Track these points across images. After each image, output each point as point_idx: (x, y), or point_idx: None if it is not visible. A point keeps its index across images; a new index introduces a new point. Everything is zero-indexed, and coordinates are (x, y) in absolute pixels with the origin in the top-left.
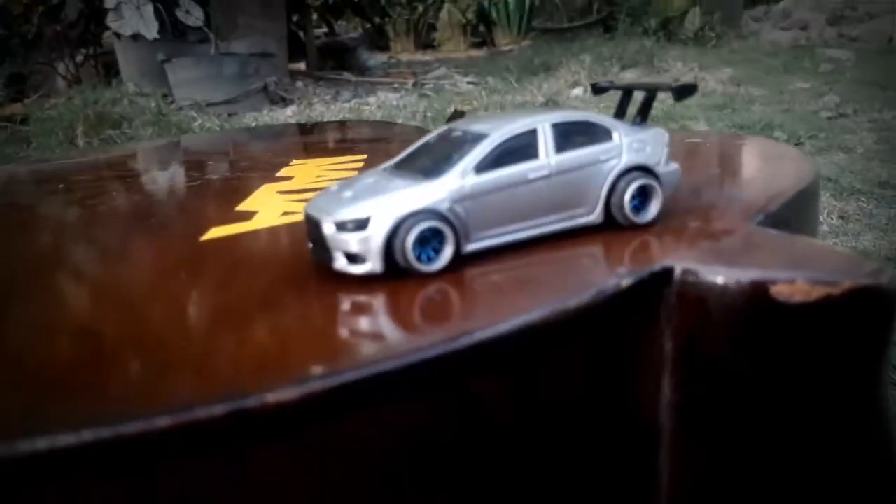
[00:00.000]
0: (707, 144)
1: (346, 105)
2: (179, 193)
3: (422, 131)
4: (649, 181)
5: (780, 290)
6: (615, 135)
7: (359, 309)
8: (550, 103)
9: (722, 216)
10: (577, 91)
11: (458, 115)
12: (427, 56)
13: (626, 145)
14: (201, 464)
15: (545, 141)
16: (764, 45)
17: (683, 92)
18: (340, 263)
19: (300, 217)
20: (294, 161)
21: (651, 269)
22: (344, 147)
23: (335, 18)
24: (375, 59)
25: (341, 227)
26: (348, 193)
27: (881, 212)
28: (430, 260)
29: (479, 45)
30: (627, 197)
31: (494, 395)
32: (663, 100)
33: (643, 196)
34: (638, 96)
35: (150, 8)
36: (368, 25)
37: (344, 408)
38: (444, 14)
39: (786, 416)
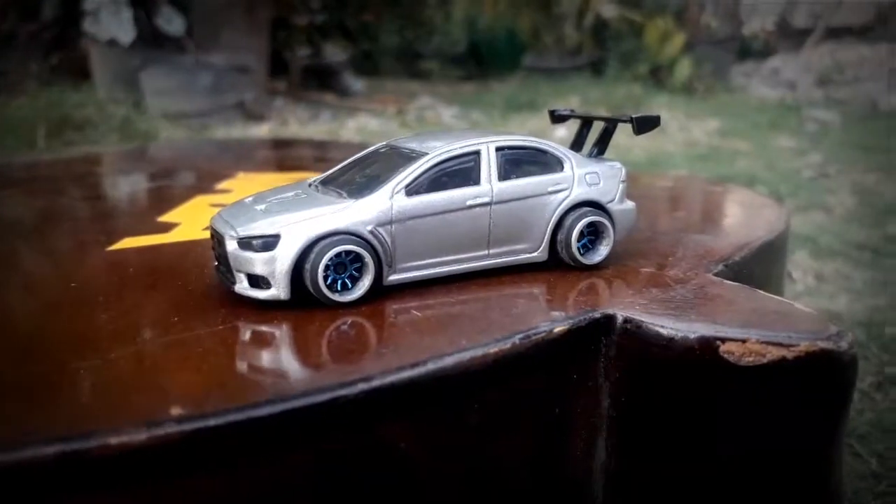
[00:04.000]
0: (677, 188)
1: (324, 127)
2: (109, 200)
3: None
4: (600, 218)
5: (729, 349)
6: (566, 165)
7: (254, 342)
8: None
9: (679, 263)
10: (561, 131)
11: None
12: (413, 85)
13: (578, 177)
14: None
15: (489, 165)
16: (751, 101)
17: (644, 124)
18: (242, 286)
19: None
20: (240, 174)
21: (590, 315)
22: (297, 164)
23: (322, 39)
24: (358, 82)
25: (245, 244)
26: (260, 207)
27: (857, 275)
28: (344, 289)
29: (467, 79)
30: (575, 234)
31: (404, 442)
32: (645, 146)
33: (593, 235)
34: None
35: (128, 13)
36: (355, 49)
37: (205, 458)
38: (434, 44)
39: (733, 484)
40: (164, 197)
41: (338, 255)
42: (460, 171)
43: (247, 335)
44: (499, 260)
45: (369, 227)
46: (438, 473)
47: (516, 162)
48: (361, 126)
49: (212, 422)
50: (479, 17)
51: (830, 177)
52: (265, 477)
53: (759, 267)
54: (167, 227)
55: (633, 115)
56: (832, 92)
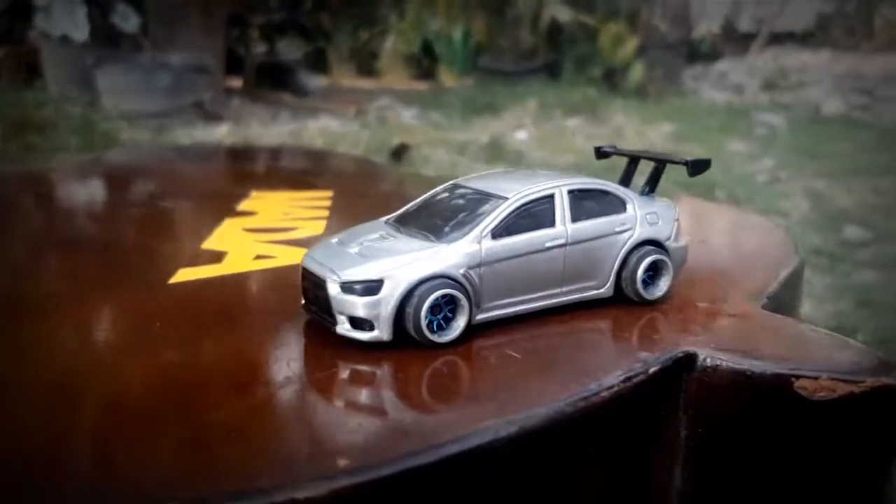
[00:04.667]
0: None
1: (285, 129)
2: (131, 223)
3: (370, 163)
4: (662, 257)
5: (803, 385)
6: (629, 206)
7: (382, 385)
8: (493, 144)
9: (728, 296)
10: (522, 135)
11: (403, 148)
12: (368, 84)
13: (640, 217)
14: None
15: (562, 208)
16: (702, 104)
17: (699, 167)
18: (344, 328)
19: (276, 263)
20: (253, 193)
21: (675, 354)
22: (304, 179)
23: (277, 37)
24: (314, 81)
25: (348, 288)
26: (354, 249)
27: (817, 280)
28: (440, 329)
29: (421, 78)
30: (640, 272)
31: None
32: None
33: (652, 271)
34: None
35: (82, 10)
36: (309, 48)
37: None
38: (388, 43)
39: None
40: (190, 221)
41: (437, 298)
42: (537, 214)
43: (370, 379)
44: (571, 297)
45: (462, 270)
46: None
47: (585, 203)
48: (323, 128)
49: (382, 472)
50: (432, 18)
51: (783, 181)
52: None
53: (788, 295)
54: (217, 257)
55: (689, 159)
56: (777, 96)
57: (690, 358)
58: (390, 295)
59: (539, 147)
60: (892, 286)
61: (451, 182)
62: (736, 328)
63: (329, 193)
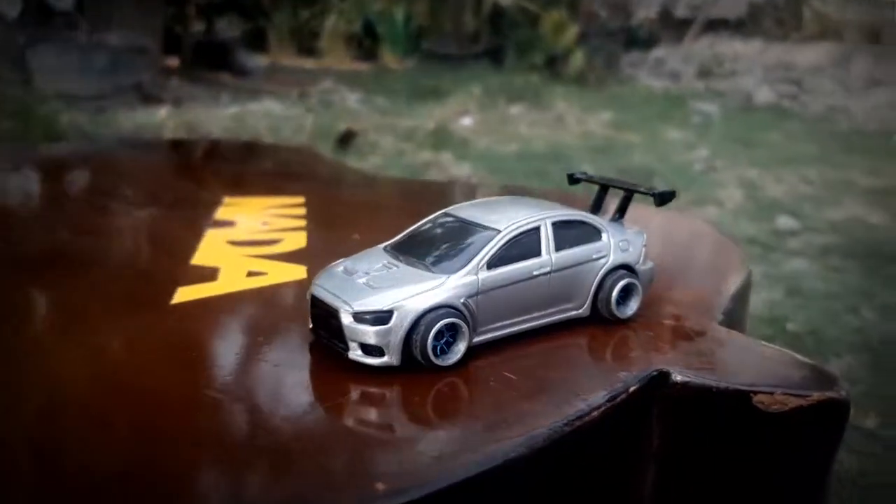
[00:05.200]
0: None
1: (227, 112)
2: (107, 235)
3: (332, 163)
4: (633, 280)
5: (761, 400)
6: (604, 235)
7: (417, 404)
8: (439, 131)
9: (689, 314)
10: (467, 121)
11: (349, 134)
12: (308, 64)
13: (614, 245)
14: None
15: (547, 238)
16: (640, 91)
17: (665, 197)
18: (356, 354)
19: (269, 280)
20: (226, 199)
21: (650, 373)
22: (272, 183)
23: (216, 16)
24: (255, 61)
25: (360, 318)
26: (361, 280)
27: (752, 269)
28: (442, 353)
29: (363, 59)
30: (615, 294)
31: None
32: (546, 138)
33: (624, 292)
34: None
35: None
36: (249, 26)
37: None
38: (329, 22)
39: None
40: (169, 232)
41: (441, 326)
42: (525, 244)
43: (384, 400)
44: (554, 318)
45: (462, 300)
46: None
47: (566, 233)
48: (267, 111)
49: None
50: None
51: (718, 171)
52: None
53: (738, 308)
54: (211, 274)
55: (656, 191)
56: (712, 84)
57: (664, 376)
58: (399, 325)
59: (484, 134)
60: (821, 275)
61: (441, 211)
62: (698, 346)
63: (301, 199)
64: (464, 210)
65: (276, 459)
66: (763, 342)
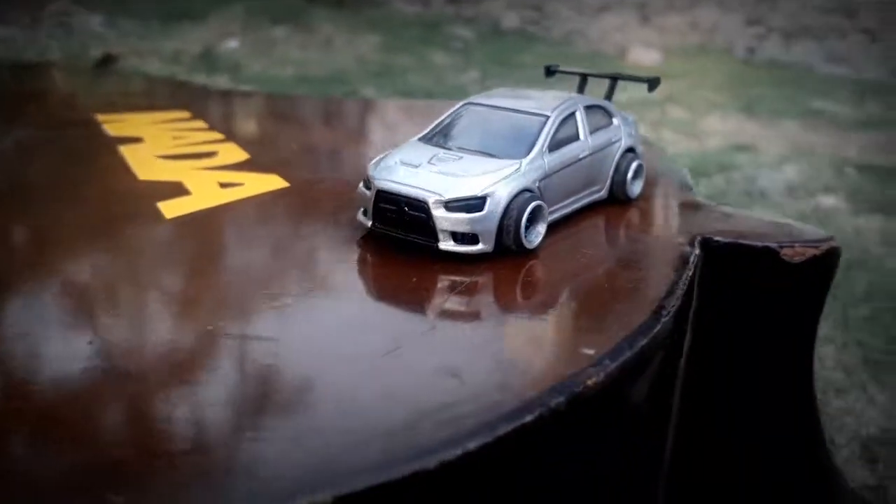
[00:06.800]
0: None
1: None
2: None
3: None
4: (641, 161)
5: (786, 253)
6: (615, 119)
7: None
8: (207, 54)
9: (667, 193)
10: (233, 43)
11: (109, 59)
12: None
13: (624, 129)
14: None
15: (583, 122)
16: (395, 15)
17: (654, 83)
18: (448, 245)
19: (253, 190)
20: (100, 117)
21: (698, 238)
22: (135, 102)
23: None
24: None
25: (452, 206)
26: (435, 169)
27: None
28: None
29: None
30: (630, 175)
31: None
32: (322, 63)
33: (633, 174)
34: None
35: None
36: None
37: None
38: None
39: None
40: (78, 151)
41: (532, 209)
42: (566, 129)
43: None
44: (586, 200)
45: (536, 183)
46: None
47: (592, 118)
48: (8, 38)
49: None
50: None
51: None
52: None
53: None
54: (177, 189)
55: (651, 77)
56: (462, 11)
57: (706, 240)
58: (494, 210)
59: (254, 58)
60: None
61: (464, 102)
62: (705, 218)
63: (187, 114)
64: (494, 100)
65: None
66: (749, 212)
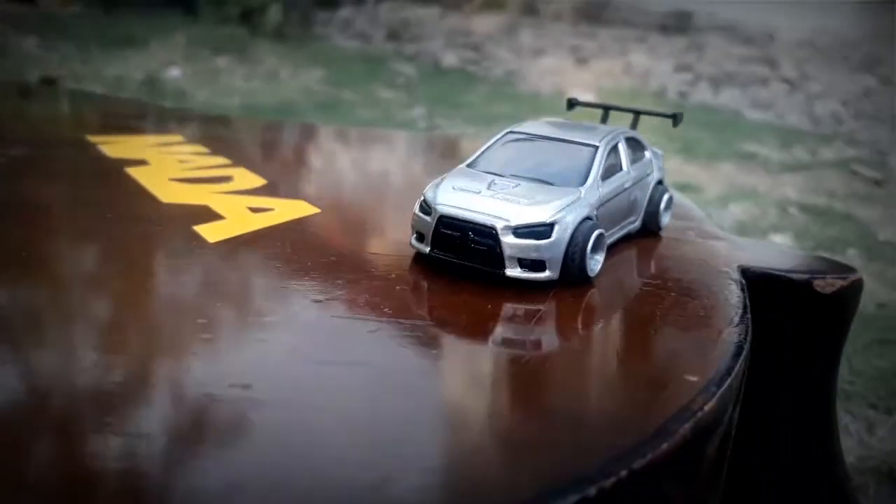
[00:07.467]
0: None
1: None
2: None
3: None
4: (671, 193)
5: (819, 284)
6: (647, 153)
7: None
8: (150, 81)
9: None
10: (175, 72)
11: (49, 81)
12: None
13: (655, 162)
14: None
15: (625, 153)
16: (337, 51)
17: (678, 118)
18: (515, 271)
19: (286, 216)
20: (91, 139)
21: (739, 268)
22: (125, 125)
23: None
24: None
25: (521, 233)
26: (498, 196)
27: None
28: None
29: (18, 0)
30: (662, 207)
31: None
32: (270, 93)
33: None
34: None
35: None
36: None
37: None
38: None
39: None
40: (86, 172)
41: (596, 237)
42: (611, 160)
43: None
44: (626, 230)
45: (594, 212)
46: None
47: (631, 150)
48: None
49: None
50: None
51: (442, 128)
52: None
53: None
54: (206, 213)
55: (675, 113)
56: (402, 48)
57: (745, 271)
58: (561, 237)
59: (198, 87)
60: None
61: (506, 130)
62: (729, 248)
63: (179, 138)
64: (538, 129)
65: None
66: (780, 245)
